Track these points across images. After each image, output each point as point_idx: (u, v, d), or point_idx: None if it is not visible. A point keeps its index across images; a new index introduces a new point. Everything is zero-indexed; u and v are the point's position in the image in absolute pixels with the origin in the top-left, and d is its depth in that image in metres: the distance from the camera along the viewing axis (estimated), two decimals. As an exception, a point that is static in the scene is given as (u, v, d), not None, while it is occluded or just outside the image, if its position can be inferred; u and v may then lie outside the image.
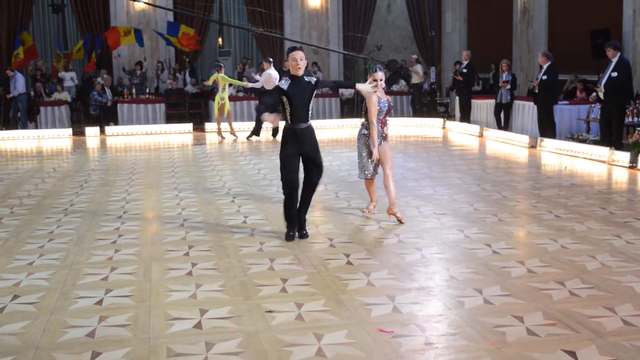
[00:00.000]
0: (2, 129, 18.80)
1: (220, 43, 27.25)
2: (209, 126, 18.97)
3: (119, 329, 4.79)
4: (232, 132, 16.97)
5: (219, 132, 16.93)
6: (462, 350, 4.35)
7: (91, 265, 6.38)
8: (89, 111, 20.36)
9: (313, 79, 7.05)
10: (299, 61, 6.89)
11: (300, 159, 7.05)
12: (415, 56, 22.45)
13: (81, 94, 21.67)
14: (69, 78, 21.56)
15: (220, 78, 16.21)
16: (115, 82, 21.94)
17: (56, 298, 5.47)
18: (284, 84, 6.93)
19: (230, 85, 17.31)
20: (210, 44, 25.95)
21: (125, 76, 22.07)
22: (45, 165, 13.38)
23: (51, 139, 17.89)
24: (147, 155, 14.52)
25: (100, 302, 5.34)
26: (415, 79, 21.79)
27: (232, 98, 20.46)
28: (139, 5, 22.31)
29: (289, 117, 6.98)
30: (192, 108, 21.46)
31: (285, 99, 6.92)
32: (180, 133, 18.65)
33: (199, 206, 8.98)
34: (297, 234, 7.17)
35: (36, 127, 19.23)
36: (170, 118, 20.71)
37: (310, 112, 7.05)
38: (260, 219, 8.10)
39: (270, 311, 5.05)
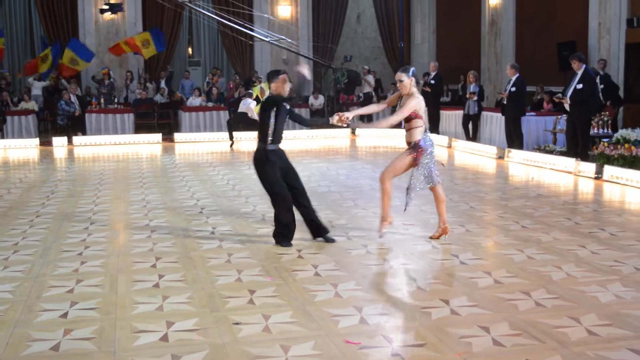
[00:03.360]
0: (-33, 139, 18.54)
1: (190, 53, 27.18)
2: (178, 136, 18.89)
3: (83, 342, 4.74)
4: None
5: None
6: (429, 361, 4.37)
7: (57, 277, 6.30)
8: (57, 121, 20.14)
9: (287, 105, 7.31)
10: (287, 83, 7.22)
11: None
12: (366, 67, 22.68)
13: (49, 104, 21.42)
14: (38, 87, 21.36)
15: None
16: (83, 91, 21.76)
17: (20, 311, 5.39)
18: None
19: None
20: (179, 53, 25.81)
21: (94, 85, 21.89)
22: (12, 176, 13.21)
23: (18, 149, 17.66)
24: (115, 166, 14.41)
25: (65, 315, 5.28)
26: (366, 89, 22.11)
27: (203, 108, 20.46)
28: (108, 15, 22.19)
29: (271, 137, 7.13)
30: (161, 118, 21.32)
31: (274, 115, 7.11)
32: (149, 143, 18.53)
33: (167, 217, 8.93)
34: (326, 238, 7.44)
35: (2, 137, 18.97)
36: (139, 128, 20.54)
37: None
38: (228, 230, 8.07)
39: (237, 323, 5.03)
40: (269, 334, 4.85)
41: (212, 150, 16.76)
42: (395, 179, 7.55)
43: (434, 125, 19.01)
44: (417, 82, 7.37)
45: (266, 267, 6.50)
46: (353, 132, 19.89)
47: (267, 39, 20.07)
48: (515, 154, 13.88)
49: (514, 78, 14.82)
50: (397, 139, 18.53)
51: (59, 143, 18.15)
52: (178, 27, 23.67)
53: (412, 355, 4.47)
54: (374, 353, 4.50)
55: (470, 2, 21.57)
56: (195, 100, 20.75)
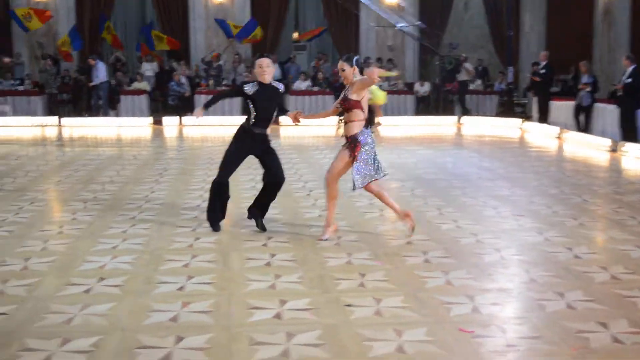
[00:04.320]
0: (84, 116, 19.37)
1: (296, 37, 27.30)
2: (282, 119, 19.08)
3: (200, 315, 4.88)
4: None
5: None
6: (545, 354, 4.28)
7: (172, 251, 6.51)
8: (168, 101, 20.74)
9: (280, 86, 7.20)
10: (265, 68, 7.00)
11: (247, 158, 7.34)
12: (464, 55, 21.90)
13: (160, 84, 22.06)
14: (150, 69, 22.04)
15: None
16: (192, 73, 22.29)
17: (140, 282, 5.61)
18: (250, 89, 7.04)
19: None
20: (286, 38, 26.01)
21: (202, 66, 22.38)
22: (125, 153, 13.71)
23: (131, 127, 18.30)
24: (224, 147, 14.65)
25: (182, 288, 5.45)
26: (464, 76, 21.16)
27: (308, 92, 20.61)
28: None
29: (252, 120, 7.13)
30: (267, 101, 21.54)
31: (250, 102, 7.08)
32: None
33: (276, 198, 9.03)
34: (260, 223, 7.31)
35: (117, 115, 19.72)
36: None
37: (272, 119, 7.22)
38: (336, 213, 8.09)
39: (349, 305, 5.07)
40: (381, 317, 4.87)
41: (318, 133, 16.86)
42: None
43: (543, 116, 18.56)
44: (361, 71, 6.84)
45: (375, 252, 6.51)
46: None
47: (398, 25, 19.96)
48: (629, 148, 13.37)
49: (630, 69, 14.32)
50: (503, 129, 18.19)
51: (170, 122, 18.69)
52: (285, 12, 23.90)
53: (527, 347, 4.39)
54: (487, 342, 4.45)
55: (584, -10, 20.87)
56: (302, 84, 20.93)
